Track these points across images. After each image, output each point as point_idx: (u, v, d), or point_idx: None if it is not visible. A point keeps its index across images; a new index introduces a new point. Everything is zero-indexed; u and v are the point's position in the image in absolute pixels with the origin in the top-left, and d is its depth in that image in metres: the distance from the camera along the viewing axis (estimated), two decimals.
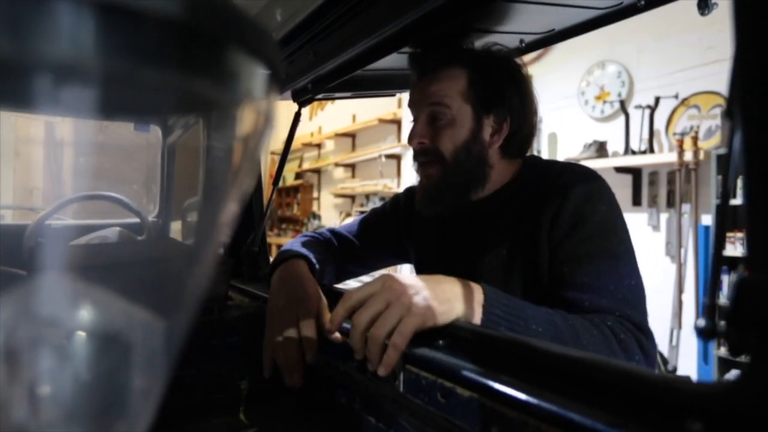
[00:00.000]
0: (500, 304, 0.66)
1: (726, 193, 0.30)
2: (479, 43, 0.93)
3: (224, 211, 0.28)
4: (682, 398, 0.35)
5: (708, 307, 0.31)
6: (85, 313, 0.28)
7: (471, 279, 0.68)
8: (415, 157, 0.94)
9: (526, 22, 0.82)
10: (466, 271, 0.73)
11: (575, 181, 0.83)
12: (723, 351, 2.79)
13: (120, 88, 0.18)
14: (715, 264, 0.29)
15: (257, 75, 0.21)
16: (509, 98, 0.90)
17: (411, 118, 0.96)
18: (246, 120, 0.22)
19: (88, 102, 0.18)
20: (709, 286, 0.29)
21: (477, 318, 0.64)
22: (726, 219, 0.29)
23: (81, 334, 0.27)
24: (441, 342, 0.57)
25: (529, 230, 0.85)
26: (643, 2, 0.69)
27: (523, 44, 0.90)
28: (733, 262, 2.78)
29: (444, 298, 0.62)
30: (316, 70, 0.90)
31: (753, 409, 0.31)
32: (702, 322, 0.30)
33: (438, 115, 0.89)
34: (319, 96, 1.05)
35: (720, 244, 0.31)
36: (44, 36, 0.16)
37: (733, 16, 0.30)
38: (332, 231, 1.16)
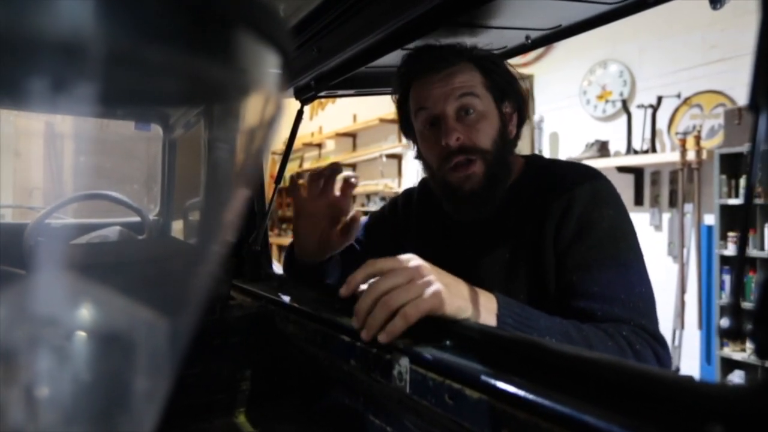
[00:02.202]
0: (513, 314, 0.65)
1: (751, 188, 0.29)
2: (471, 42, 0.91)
3: (228, 209, 0.26)
4: (702, 400, 0.34)
5: (733, 307, 0.29)
6: (86, 312, 0.27)
7: (473, 282, 0.67)
8: (448, 159, 0.86)
9: (532, 17, 0.81)
10: (468, 274, 0.71)
11: (581, 184, 0.81)
12: (726, 351, 2.77)
13: (124, 71, 0.17)
14: (739, 262, 0.28)
15: (267, 60, 0.20)
16: (513, 91, 0.90)
17: None
18: (255, 109, 0.21)
19: (91, 87, 0.17)
20: (733, 286, 0.28)
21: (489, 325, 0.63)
22: (751, 216, 0.28)
23: (81, 334, 0.26)
24: (448, 342, 0.56)
25: (532, 233, 0.83)
26: None
27: (529, 40, 0.89)
28: (734, 262, 2.77)
29: (460, 295, 0.62)
30: (320, 66, 0.89)
31: None
32: (726, 323, 0.29)
33: (468, 108, 0.85)
34: (322, 93, 1.04)
35: (744, 242, 0.29)
36: (42, 10, 0.15)
37: (760, 3, 0.29)
38: None
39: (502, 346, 0.52)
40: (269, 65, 0.20)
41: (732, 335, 0.29)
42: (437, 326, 0.60)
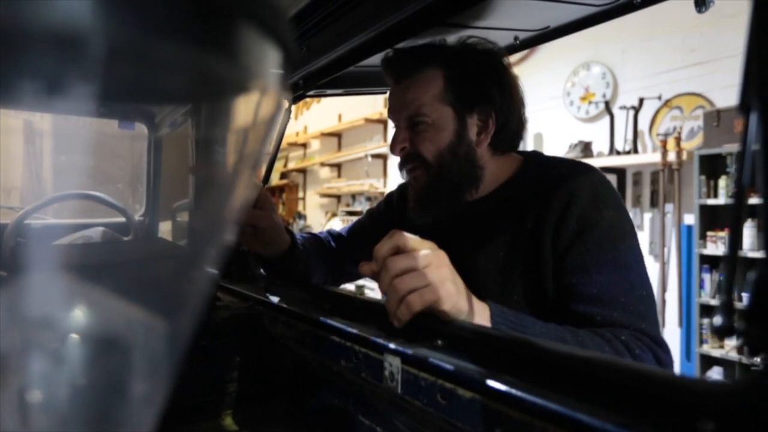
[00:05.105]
0: (507, 321, 0.64)
1: (741, 189, 0.30)
2: (455, 38, 0.88)
3: (224, 211, 0.26)
4: (694, 398, 0.35)
5: (724, 306, 0.30)
6: (72, 315, 0.26)
7: (467, 280, 0.66)
8: (402, 165, 0.92)
9: (520, 19, 0.82)
10: (463, 272, 0.69)
11: (581, 183, 0.80)
12: (705, 348, 2.83)
13: (126, 66, 0.17)
14: (731, 262, 0.28)
15: (270, 56, 0.19)
16: (491, 93, 0.86)
17: None
18: (255, 106, 0.21)
19: (91, 84, 0.16)
20: (725, 285, 0.28)
21: None
22: (742, 217, 0.28)
23: (68, 337, 0.25)
24: (440, 342, 0.56)
25: (530, 232, 0.82)
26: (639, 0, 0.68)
27: (518, 41, 0.89)
28: (714, 261, 2.83)
29: (464, 296, 0.62)
30: (309, 65, 0.88)
31: None
32: (719, 321, 0.29)
33: (417, 123, 0.87)
34: (311, 93, 1.04)
35: (735, 241, 0.30)
36: (42, 5, 0.14)
37: (751, 6, 0.29)
38: (330, 232, 1.15)
39: (494, 345, 0.52)
40: (272, 62, 0.20)
41: (724, 333, 0.29)
42: (429, 325, 0.60)
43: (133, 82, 0.18)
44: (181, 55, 0.17)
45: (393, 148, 0.90)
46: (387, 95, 0.96)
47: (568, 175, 0.82)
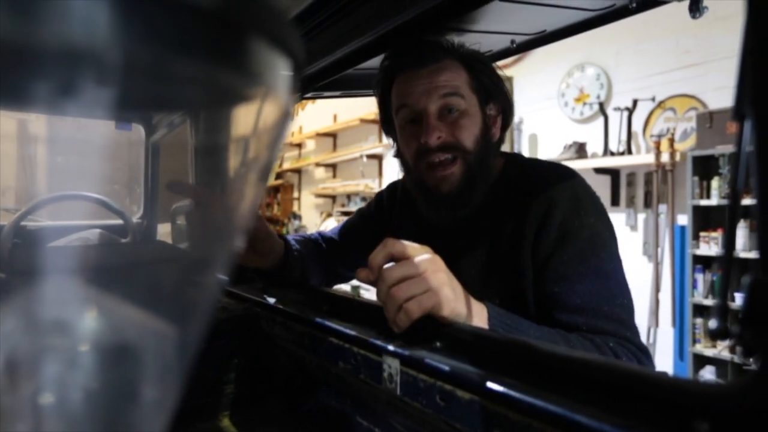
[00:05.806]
0: (503, 324, 0.65)
1: (735, 193, 0.30)
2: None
3: (233, 214, 0.26)
4: (690, 399, 0.35)
5: (719, 309, 0.30)
6: (81, 318, 0.26)
7: None
8: (425, 156, 0.84)
9: (517, 22, 0.82)
10: None
11: (561, 188, 0.80)
12: (698, 348, 2.86)
13: (134, 80, 0.17)
14: (726, 265, 0.29)
15: (280, 67, 0.20)
16: (500, 88, 0.87)
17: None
18: (264, 114, 0.21)
19: (102, 96, 0.17)
20: (720, 288, 0.29)
21: None
22: (736, 220, 0.29)
23: (75, 340, 0.25)
24: (439, 344, 0.56)
25: (509, 237, 0.82)
26: (634, 4, 0.69)
27: (514, 45, 0.90)
28: (707, 261, 2.85)
29: (462, 299, 0.62)
30: (307, 68, 0.89)
31: (763, 410, 0.31)
32: (714, 324, 0.30)
33: (451, 107, 0.83)
34: (308, 95, 1.04)
35: (731, 245, 0.31)
36: (53, 17, 0.15)
37: (747, 10, 0.30)
38: (321, 234, 1.15)
39: (493, 347, 0.53)
40: (281, 72, 0.20)
41: (719, 336, 0.30)
42: (428, 328, 0.60)
43: (145, 94, 0.18)
44: (193, 70, 0.17)
45: (429, 136, 0.81)
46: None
47: (549, 180, 0.82)
